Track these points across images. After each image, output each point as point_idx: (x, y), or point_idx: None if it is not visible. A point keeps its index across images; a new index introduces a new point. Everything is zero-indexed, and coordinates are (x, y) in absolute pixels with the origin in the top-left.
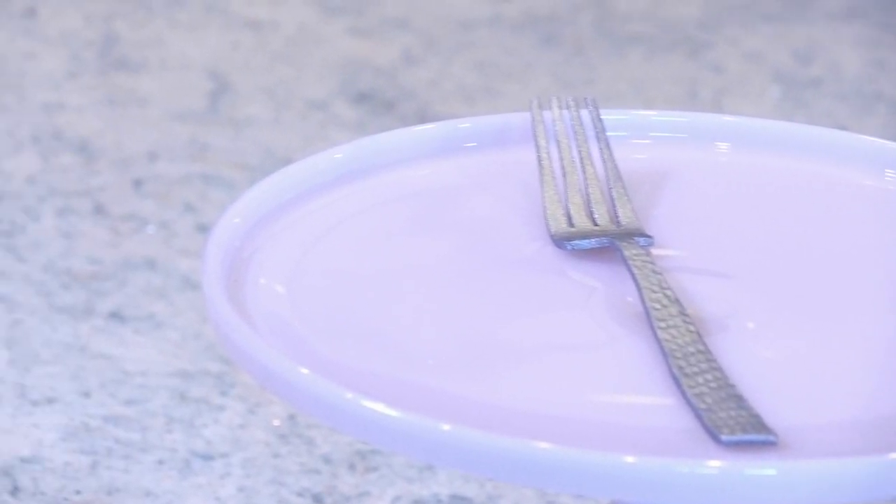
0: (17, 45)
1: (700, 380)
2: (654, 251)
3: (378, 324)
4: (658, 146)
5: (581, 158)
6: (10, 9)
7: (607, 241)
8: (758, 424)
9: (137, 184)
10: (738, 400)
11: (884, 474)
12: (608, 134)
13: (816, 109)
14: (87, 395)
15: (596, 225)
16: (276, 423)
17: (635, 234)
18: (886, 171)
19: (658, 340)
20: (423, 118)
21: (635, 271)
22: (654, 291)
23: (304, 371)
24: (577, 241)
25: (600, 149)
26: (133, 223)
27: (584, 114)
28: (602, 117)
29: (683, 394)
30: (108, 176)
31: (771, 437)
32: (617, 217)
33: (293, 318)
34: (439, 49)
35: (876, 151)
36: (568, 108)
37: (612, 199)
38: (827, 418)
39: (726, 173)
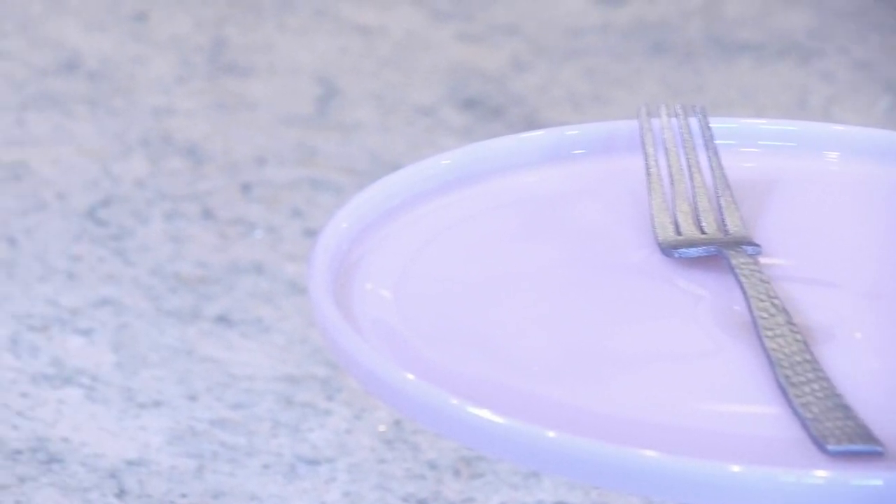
0: (128, 50)
1: (807, 389)
2: (762, 260)
3: (484, 330)
4: (767, 155)
5: (689, 166)
6: (120, 13)
7: (715, 249)
8: (865, 434)
9: (245, 188)
10: (845, 410)
11: None
12: (717, 142)
13: None
14: (193, 398)
15: (703, 233)
16: (382, 428)
17: (743, 243)
18: None
19: (765, 349)
20: (531, 125)
21: (742, 280)
22: (762, 300)
23: (410, 376)
24: (684, 250)
25: (708, 157)
26: (241, 227)
27: (693, 122)
28: (710, 125)
29: (790, 403)
30: (216, 180)
31: (878, 448)
32: (725, 225)
33: (399, 323)
34: (548, 55)
35: None
36: (676, 115)
37: (719, 208)
38: None
39: (835, 182)
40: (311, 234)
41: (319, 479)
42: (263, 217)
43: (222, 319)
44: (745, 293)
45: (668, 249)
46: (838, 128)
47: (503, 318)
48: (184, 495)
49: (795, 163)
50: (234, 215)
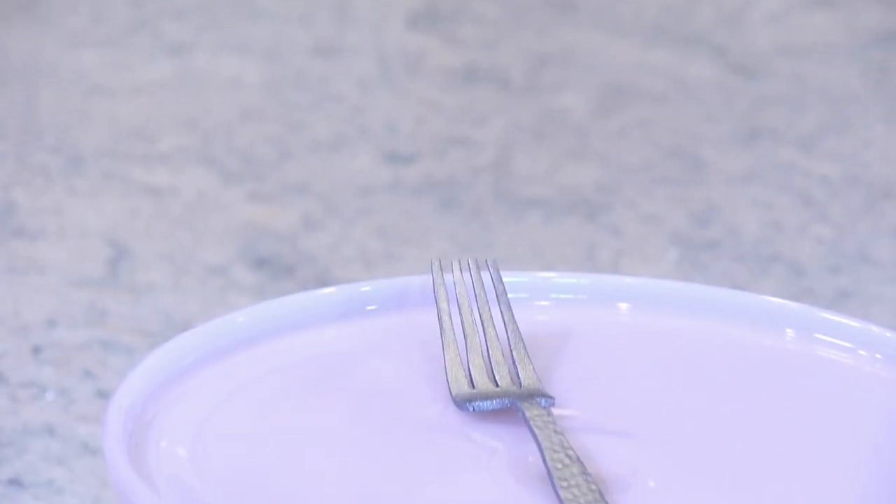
0: None
1: None
2: (556, 411)
3: (280, 486)
4: (559, 307)
5: (482, 320)
6: None
7: (508, 401)
8: None
9: (36, 351)
10: None
11: None
12: (509, 296)
13: (713, 271)
14: None
15: (497, 386)
16: None
17: (536, 395)
18: (786, 329)
19: (560, 500)
20: (322, 283)
21: (536, 431)
22: (556, 451)
23: None
24: (478, 403)
25: (501, 311)
26: (32, 390)
27: (485, 276)
28: (503, 279)
29: None
30: (6, 343)
31: None
32: (518, 378)
33: (195, 481)
34: (339, 214)
35: (775, 310)
36: (469, 270)
37: (513, 361)
38: None
39: (627, 334)
40: (104, 395)
41: None
42: (55, 379)
43: (14, 482)
44: (539, 444)
45: (462, 403)
46: (629, 280)
47: (300, 474)
48: None
49: (587, 315)
50: (25, 378)
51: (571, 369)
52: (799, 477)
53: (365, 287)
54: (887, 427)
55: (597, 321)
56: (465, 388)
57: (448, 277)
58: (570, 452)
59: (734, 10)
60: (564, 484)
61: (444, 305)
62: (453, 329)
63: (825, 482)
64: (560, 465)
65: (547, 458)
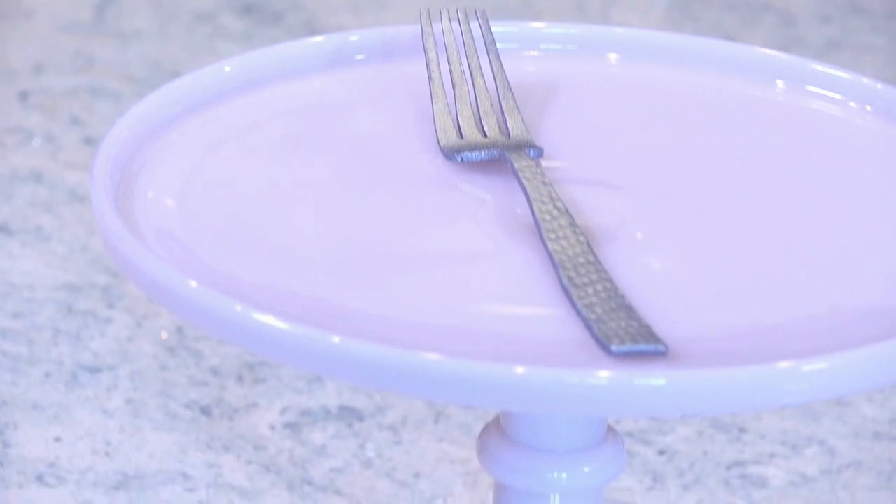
0: None
1: (590, 290)
2: (544, 163)
3: (268, 236)
4: (548, 58)
5: (471, 70)
6: None
7: (497, 152)
8: (647, 335)
9: (23, 96)
10: (628, 311)
11: (771, 384)
12: (498, 46)
13: (704, 20)
14: None
15: (486, 137)
16: (164, 335)
17: (525, 146)
18: (777, 81)
19: (548, 251)
20: (311, 30)
21: (525, 183)
22: (544, 203)
23: (193, 283)
24: (466, 153)
25: (490, 61)
26: (19, 136)
27: (474, 26)
28: (492, 29)
29: (573, 305)
30: None
31: (661, 347)
32: (507, 129)
33: (182, 230)
34: None
35: (766, 62)
36: (458, 20)
37: (501, 111)
38: (716, 328)
39: (616, 85)
40: (91, 142)
41: (101, 387)
42: (42, 125)
43: (2, 229)
44: (527, 196)
45: (450, 153)
46: (619, 30)
47: (287, 224)
48: None
49: (576, 66)
50: (11, 124)
51: (560, 121)
52: (788, 227)
53: (353, 36)
54: (878, 177)
55: (586, 72)
56: (453, 139)
57: (437, 27)
58: (559, 204)
59: None
60: (552, 236)
61: (432, 55)
62: (442, 79)
63: (815, 232)
64: (548, 217)
65: (535, 210)
